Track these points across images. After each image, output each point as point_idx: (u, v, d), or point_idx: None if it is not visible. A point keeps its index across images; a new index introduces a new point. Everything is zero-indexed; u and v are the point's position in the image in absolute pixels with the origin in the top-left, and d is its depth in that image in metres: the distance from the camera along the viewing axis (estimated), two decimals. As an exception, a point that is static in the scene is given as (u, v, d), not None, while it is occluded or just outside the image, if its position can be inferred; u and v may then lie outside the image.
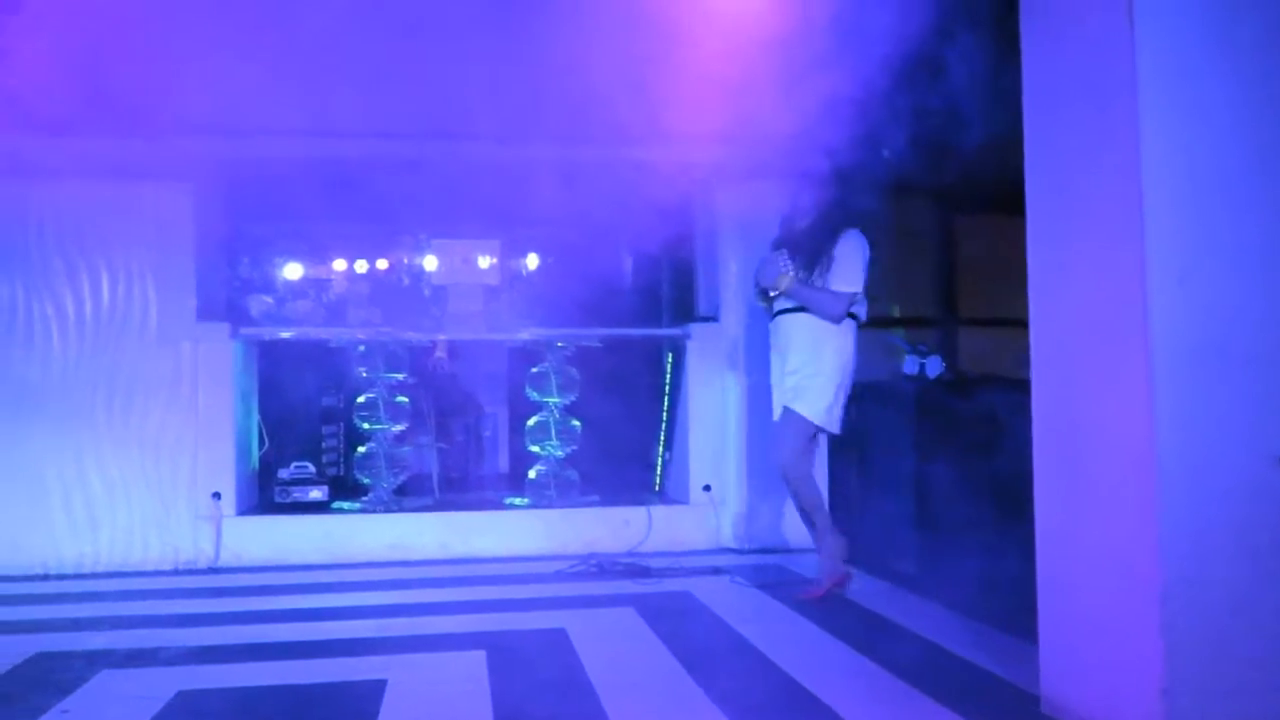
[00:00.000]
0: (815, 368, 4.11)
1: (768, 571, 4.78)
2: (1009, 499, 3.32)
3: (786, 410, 4.18)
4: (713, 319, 5.69)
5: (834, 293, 4.10)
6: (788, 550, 5.26)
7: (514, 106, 4.58)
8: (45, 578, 4.80)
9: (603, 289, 6.40)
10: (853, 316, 4.19)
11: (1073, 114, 2.65)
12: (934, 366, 5.14)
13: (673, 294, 6.54)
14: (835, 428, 4.20)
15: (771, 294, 4.24)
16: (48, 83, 3.91)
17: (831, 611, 4.00)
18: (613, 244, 6.68)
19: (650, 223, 5.55)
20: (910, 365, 5.16)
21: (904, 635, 3.64)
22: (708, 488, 5.54)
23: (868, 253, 4.17)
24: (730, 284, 5.58)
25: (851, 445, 4.94)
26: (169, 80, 4.24)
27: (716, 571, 4.78)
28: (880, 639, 3.58)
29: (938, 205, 6.27)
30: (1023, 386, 2.87)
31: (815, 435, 4.23)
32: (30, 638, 3.62)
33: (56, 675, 3.17)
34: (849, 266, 4.11)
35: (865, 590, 4.35)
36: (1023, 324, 2.85)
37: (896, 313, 6.27)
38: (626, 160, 5.20)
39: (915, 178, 5.20)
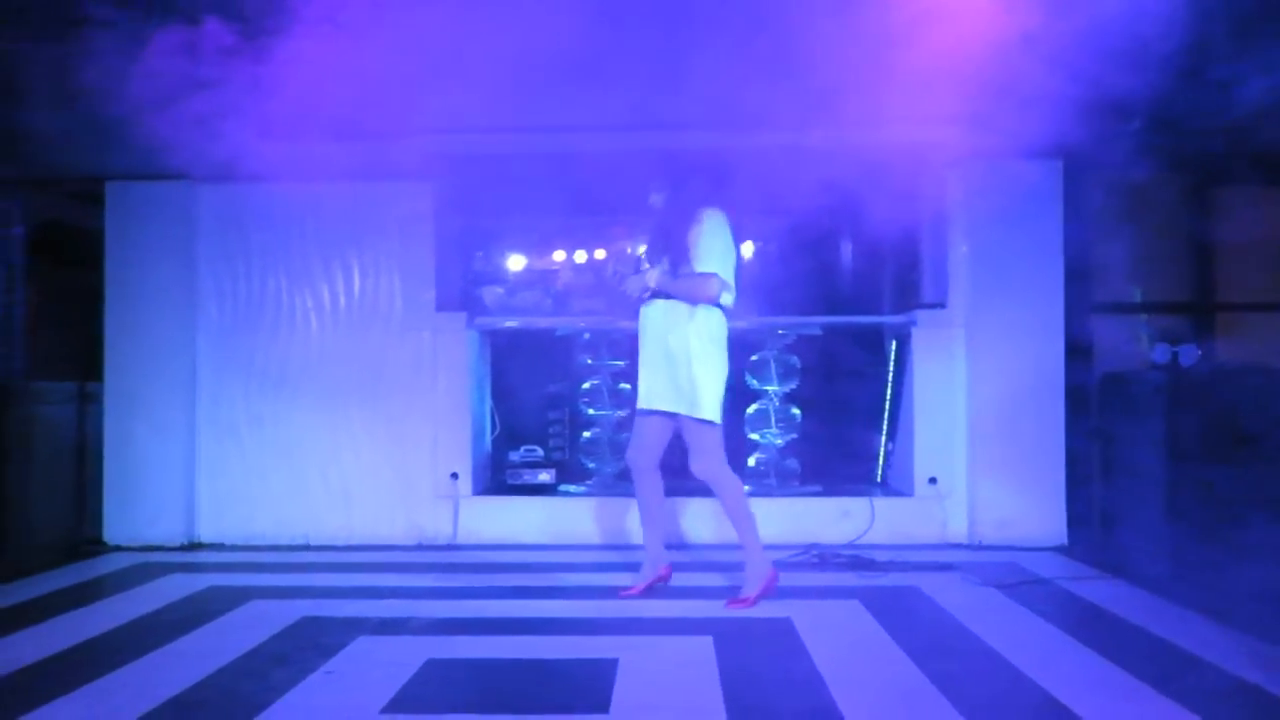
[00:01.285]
0: (690, 363, 3.91)
1: (1000, 569, 4.58)
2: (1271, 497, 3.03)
3: (693, 422, 3.92)
4: (939, 305, 5.49)
5: (700, 275, 3.91)
6: (1021, 548, 5.02)
7: (735, 94, 4.56)
8: (306, 548, 5.23)
9: (823, 275, 6.30)
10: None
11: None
12: (1188, 355, 4.74)
13: (896, 280, 6.35)
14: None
15: (645, 295, 4.06)
16: (316, 95, 4.23)
17: (1070, 612, 3.78)
18: (833, 229, 6.54)
19: (873, 207, 5.41)
20: (1161, 353, 4.79)
21: (1151, 639, 3.40)
22: (933, 480, 5.35)
23: (729, 232, 4.01)
24: (959, 269, 5.36)
25: (1096, 437, 4.65)
26: (411, 85, 4.51)
27: (945, 567, 4.62)
28: (1127, 642, 3.35)
29: (1192, 178, 5.77)
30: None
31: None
32: (296, 603, 3.95)
33: (320, 639, 3.44)
34: (708, 247, 3.92)
35: (1110, 593, 4.08)
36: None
37: (1139, 297, 5.85)
38: (849, 143, 5.07)
39: (1167, 148, 4.81)
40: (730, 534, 5.21)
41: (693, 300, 3.94)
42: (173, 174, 5.31)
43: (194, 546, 5.35)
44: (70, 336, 5.83)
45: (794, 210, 6.24)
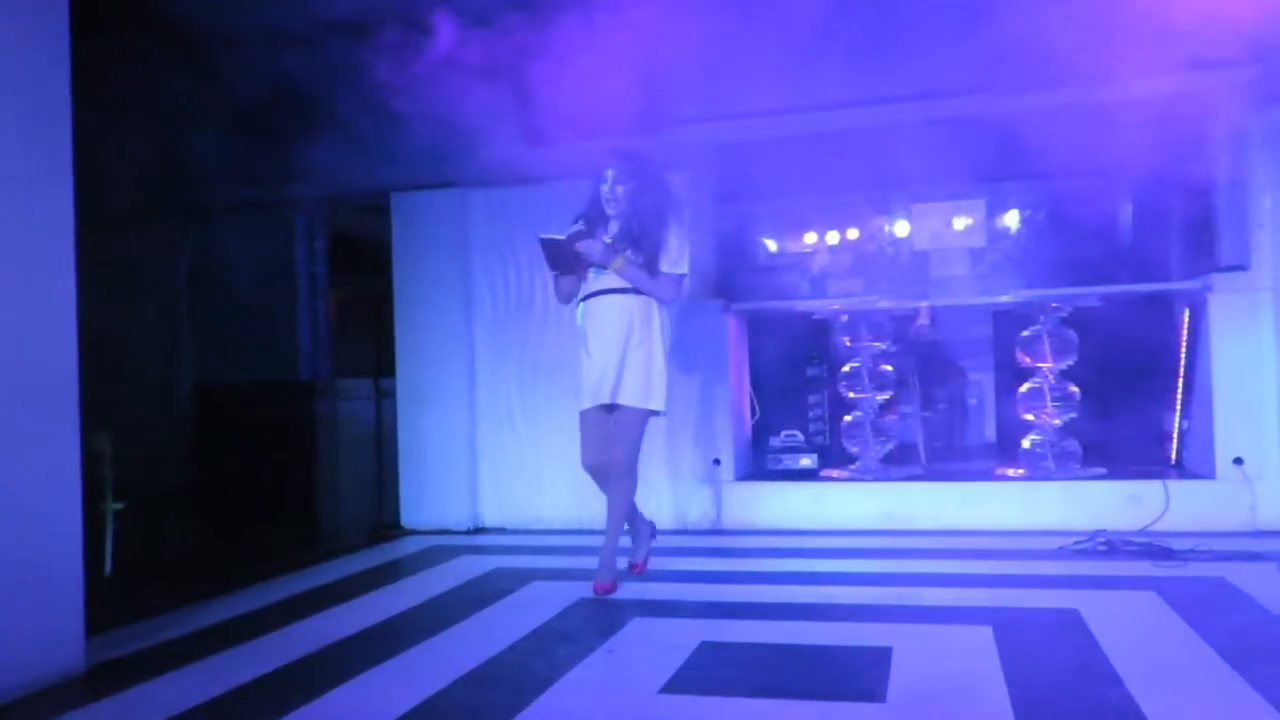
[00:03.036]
0: (653, 357, 4.03)
1: (1325, 559, 4.09)
2: None
3: (645, 413, 4.05)
4: (1240, 267, 4.96)
5: (672, 275, 4.03)
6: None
7: (1003, 54, 4.31)
8: (580, 531, 5.46)
9: (1102, 242, 5.86)
10: None
11: None
12: None
13: (1187, 242, 5.81)
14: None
15: (589, 271, 4.04)
16: (583, 94, 4.41)
17: None
18: (1110, 192, 6.07)
19: (1158, 164, 4.97)
20: None
21: None
22: (1239, 460, 4.86)
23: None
24: (1266, 224, 4.82)
25: None
26: (669, 78, 4.59)
27: (1256, 557, 4.18)
28: None
29: None
30: None
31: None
32: (574, 585, 4.13)
33: (598, 619, 3.60)
34: (681, 250, 4.04)
35: None
36: None
37: None
38: (1128, 98, 4.69)
39: None
40: (1004, 518, 5.01)
41: (664, 300, 4.07)
42: (448, 182, 5.71)
43: (478, 531, 5.73)
44: (365, 337, 6.40)
45: (1066, 173, 5.86)
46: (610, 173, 4.03)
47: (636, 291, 4.00)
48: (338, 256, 6.71)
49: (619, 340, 3.99)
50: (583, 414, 4.09)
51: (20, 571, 2.93)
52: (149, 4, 3.92)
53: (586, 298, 4.08)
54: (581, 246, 3.97)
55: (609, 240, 4.03)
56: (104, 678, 3.11)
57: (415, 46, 4.63)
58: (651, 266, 4.00)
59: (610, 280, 4.01)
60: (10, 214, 2.97)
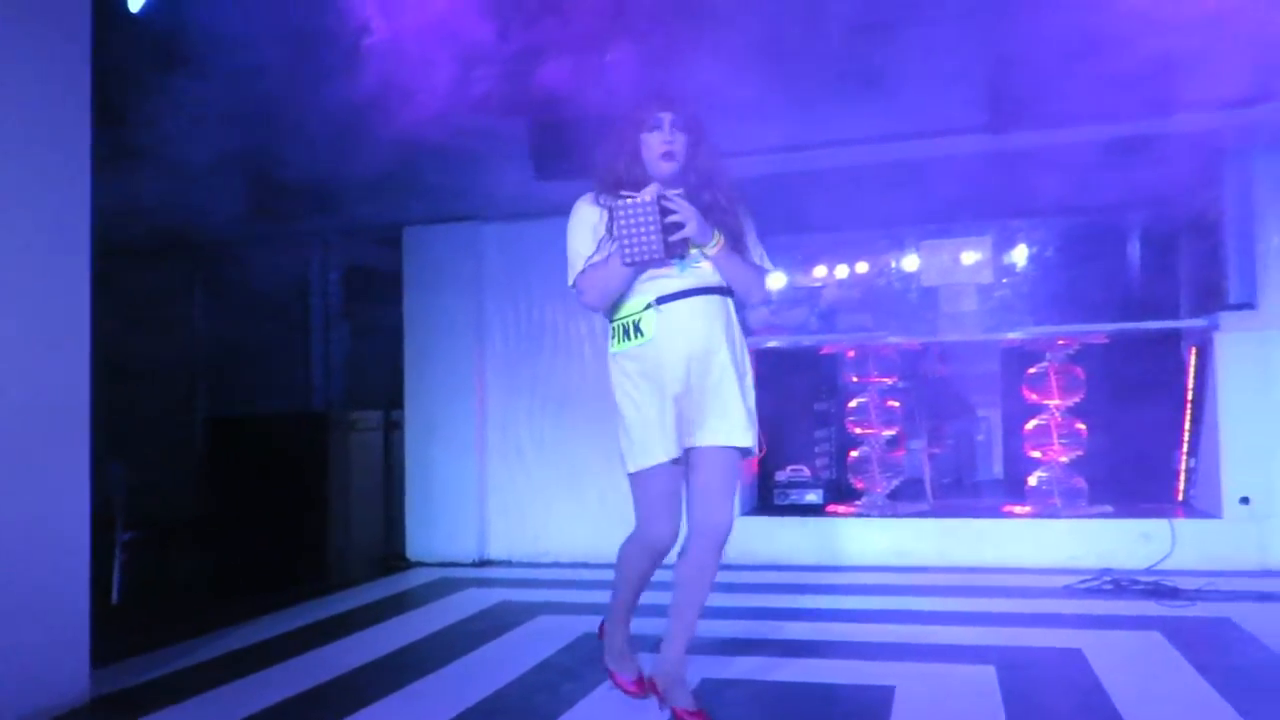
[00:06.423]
0: (749, 383, 2.83)
1: (1333, 601, 4.08)
2: None
3: (736, 452, 2.81)
4: (1248, 306, 4.98)
5: (763, 270, 2.89)
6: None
7: (1017, 87, 4.34)
8: (586, 565, 5.48)
9: (1110, 280, 5.89)
10: None
11: None
12: None
13: (1195, 280, 5.83)
14: None
15: (671, 261, 2.69)
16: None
17: None
18: (1121, 230, 6.11)
19: (1166, 203, 5.00)
20: None
21: None
22: (1245, 500, 4.86)
23: None
24: (1271, 265, 4.85)
25: None
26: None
27: (1264, 597, 4.17)
28: None
29: None
30: None
31: None
32: (579, 619, 4.14)
33: (602, 655, 3.60)
34: (758, 241, 2.90)
35: None
36: None
37: None
38: (1136, 136, 4.72)
39: None
40: (1011, 555, 5.01)
41: (760, 301, 3.03)
42: (461, 216, 5.79)
43: (485, 564, 5.75)
44: (377, 369, 6.46)
45: (1074, 211, 5.90)
46: (667, 117, 2.74)
47: (726, 291, 2.81)
48: (351, 287, 6.79)
49: (714, 360, 2.73)
50: (648, 473, 2.77)
51: (26, 597, 2.95)
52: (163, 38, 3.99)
53: (659, 301, 2.71)
54: (676, 213, 2.66)
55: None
56: (108, 708, 3.14)
57: (427, 79, 4.72)
58: (737, 249, 2.81)
59: (695, 276, 2.73)
60: (27, 236, 3.02)
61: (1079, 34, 3.74)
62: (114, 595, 4.78)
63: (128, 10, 3.68)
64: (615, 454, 5.71)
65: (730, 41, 4.36)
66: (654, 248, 2.61)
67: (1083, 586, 4.49)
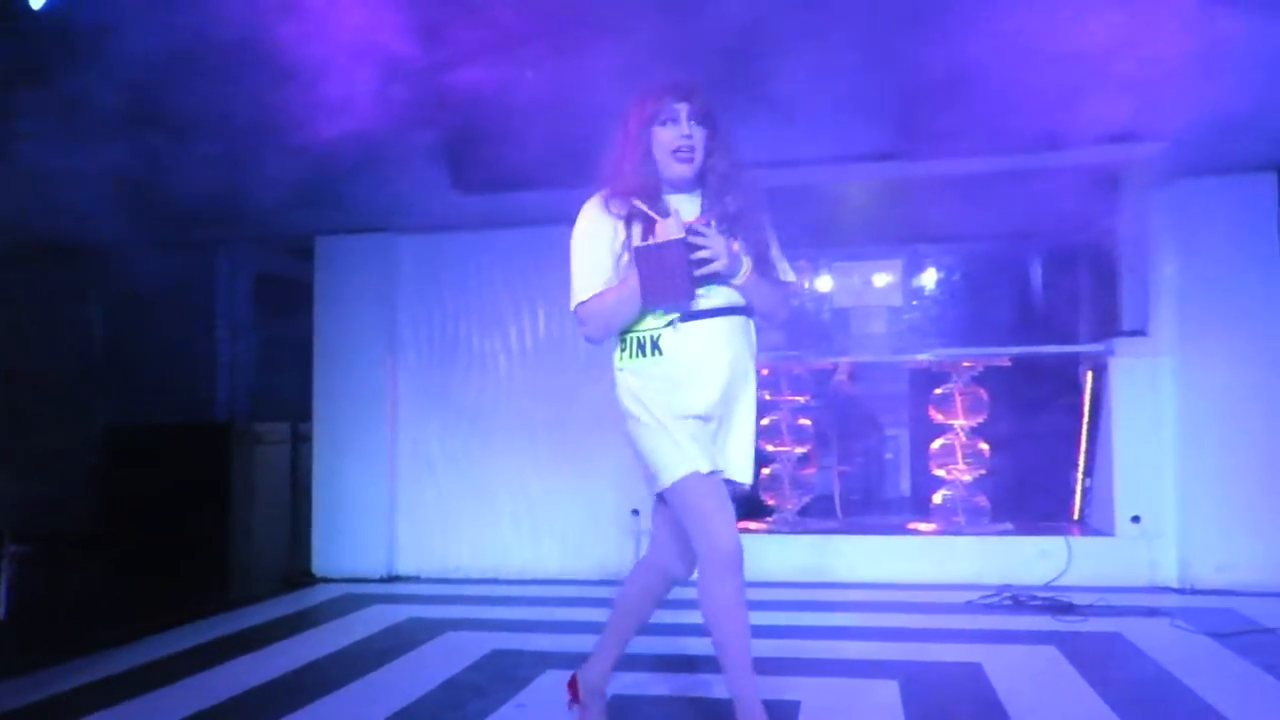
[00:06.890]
0: (755, 414, 2.62)
1: (1217, 616, 4.25)
2: None
3: (739, 487, 2.61)
4: (1140, 333, 5.19)
5: (787, 285, 2.65)
6: (1242, 593, 4.64)
7: (917, 118, 4.47)
8: (495, 581, 5.43)
9: (1013, 305, 6.09)
10: None
11: None
12: None
13: (1092, 307, 6.06)
14: None
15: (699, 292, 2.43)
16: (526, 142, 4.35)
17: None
18: (1023, 257, 6.32)
19: (1066, 232, 5.18)
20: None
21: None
22: (1136, 518, 5.04)
23: None
24: (1163, 293, 5.06)
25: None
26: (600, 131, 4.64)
27: (1153, 612, 4.33)
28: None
29: None
30: None
31: None
32: (488, 635, 4.11)
33: (511, 672, 3.57)
34: (781, 254, 2.66)
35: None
36: None
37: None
38: (1038, 167, 4.90)
39: None
40: (916, 572, 5.11)
41: (775, 317, 2.63)
42: (376, 227, 5.70)
43: (393, 579, 5.65)
44: (286, 380, 6.32)
45: (981, 238, 6.08)
46: (684, 108, 2.46)
47: (749, 311, 2.57)
48: (261, 296, 6.64)
49: (743, 391, 2.54)
50: (693, 479, 2.45)
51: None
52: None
53: (683, 319, 2.47)
54: (706, 249, 2.39)
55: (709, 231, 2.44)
56: (-8, 730, 3.01)
57: (347, 89, 4.64)
58: (762, 269, 2.55)
59: (720, 295, 2.49)
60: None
61: (975, 68, 3.86)
62: (1, 611, 4.57)
63: (28, 7, 3.55)
64: (528, 469, 5.68)
65: (634, 55, 4.38)
66: (682, 291, 2.36)
67: (984, 602, 4.60)
